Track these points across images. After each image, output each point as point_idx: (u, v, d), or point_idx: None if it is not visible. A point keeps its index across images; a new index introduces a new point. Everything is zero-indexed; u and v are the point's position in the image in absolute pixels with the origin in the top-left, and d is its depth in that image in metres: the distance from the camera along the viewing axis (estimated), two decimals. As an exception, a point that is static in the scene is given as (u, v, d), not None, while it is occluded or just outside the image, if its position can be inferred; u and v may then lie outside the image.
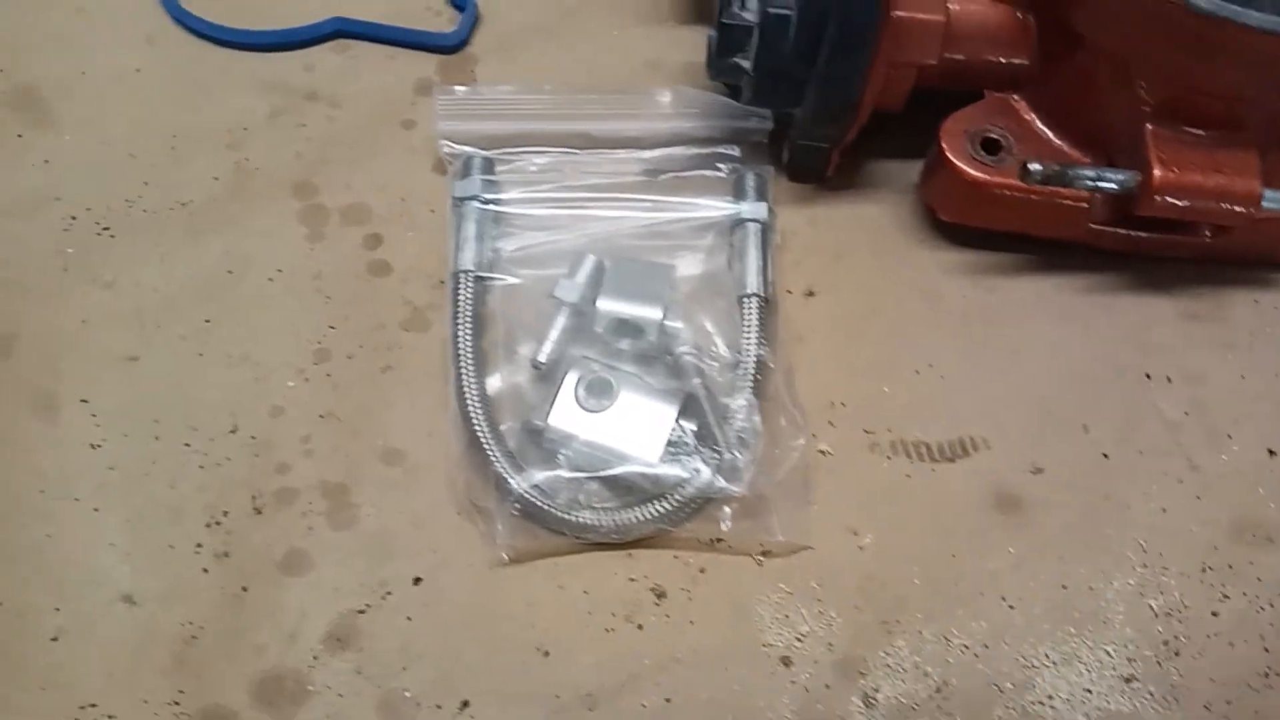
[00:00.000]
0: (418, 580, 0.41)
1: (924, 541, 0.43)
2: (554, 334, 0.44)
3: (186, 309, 0.47)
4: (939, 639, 0.41)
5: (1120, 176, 0.43)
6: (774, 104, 0.48)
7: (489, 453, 0.42)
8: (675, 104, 0.51)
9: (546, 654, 0.40)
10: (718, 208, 0.49)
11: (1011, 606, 0.41)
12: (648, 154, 0.51)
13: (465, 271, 0.46)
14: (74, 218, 0.49)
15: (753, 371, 0.44)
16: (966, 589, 0.42)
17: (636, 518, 0.41)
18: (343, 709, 0.39)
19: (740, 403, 0.43)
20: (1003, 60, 0.47)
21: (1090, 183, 0.44)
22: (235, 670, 0.40)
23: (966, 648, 0.41)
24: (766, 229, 0.48)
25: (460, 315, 0.45)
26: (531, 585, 0.41)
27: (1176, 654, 0.40)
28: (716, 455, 0.42)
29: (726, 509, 0.42)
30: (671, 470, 0.42)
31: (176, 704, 0.39)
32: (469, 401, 0.43)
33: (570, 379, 0.44)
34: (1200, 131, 0.43)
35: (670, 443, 0.42)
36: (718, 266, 0.48)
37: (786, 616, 0.41)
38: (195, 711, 0.39)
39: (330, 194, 0.50)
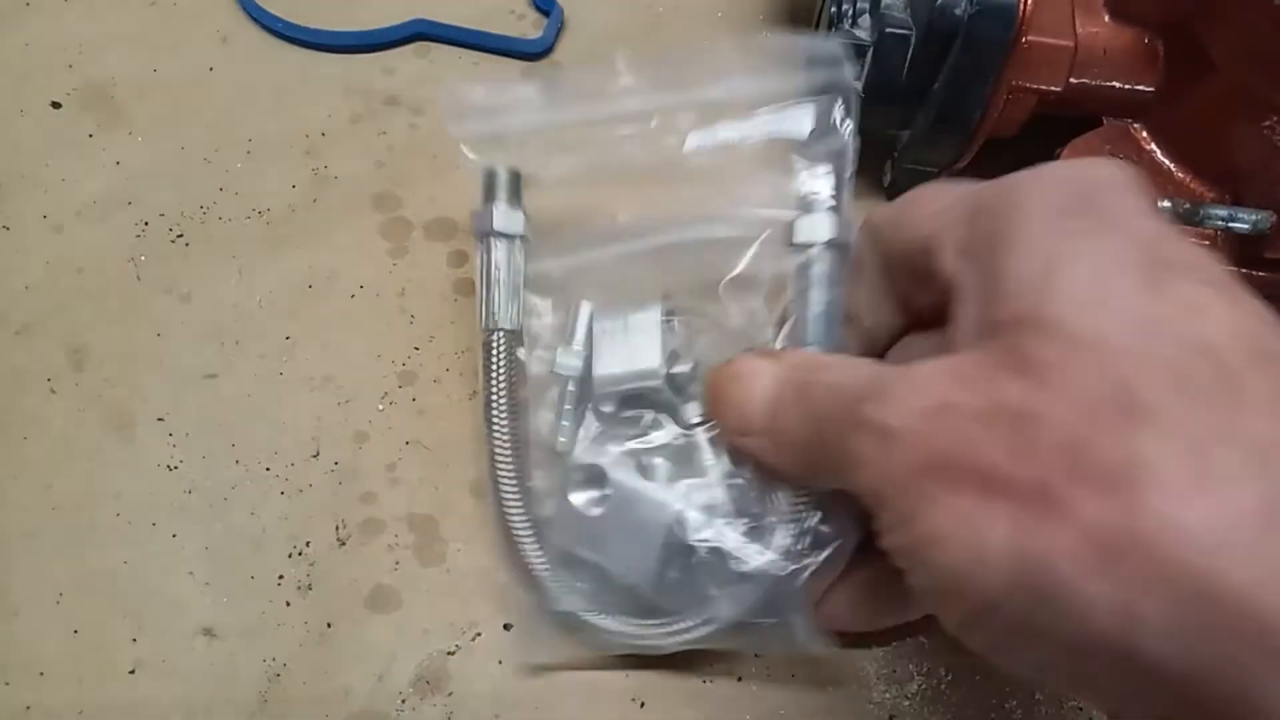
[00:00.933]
0: (508, 626, 0.40)
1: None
2: (565, 414, 0.37)
3: (266, 325, 0.45)
4: (1053, 701, 0.39)
5: (1254, 217, 0.41)
6: (883, 125, 0.46)
7: (528, 557, 0.37)
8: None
9: (642, 705, 0.38)
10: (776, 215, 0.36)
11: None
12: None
13: (500, 331, 0.37)
14: (147, 223, 0.48)
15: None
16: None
17: (668, 634, 0.36)
18: (432, 756, 0.38)
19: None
20: (1127, 86, 0.44)
21: (1222, 223, 0.41)
22: (320, 712, 0.38)
23: (1080, 710, 0.39)
24: (835, 253, 0.34)
25: (496, 389, 0.37)
26: (628, 631, 0.40)
27: None
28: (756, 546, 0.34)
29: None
30: (681, 600, 0.35)
31: (259, 746, 0.38)
32: (507, 497, 0.36)
33: (568, 476, 0.37)
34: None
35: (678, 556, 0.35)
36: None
37: (894, 672, 0.39)
38: (279, 754, 0.38)
39: (413, 207, 0.48)
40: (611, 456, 0.36)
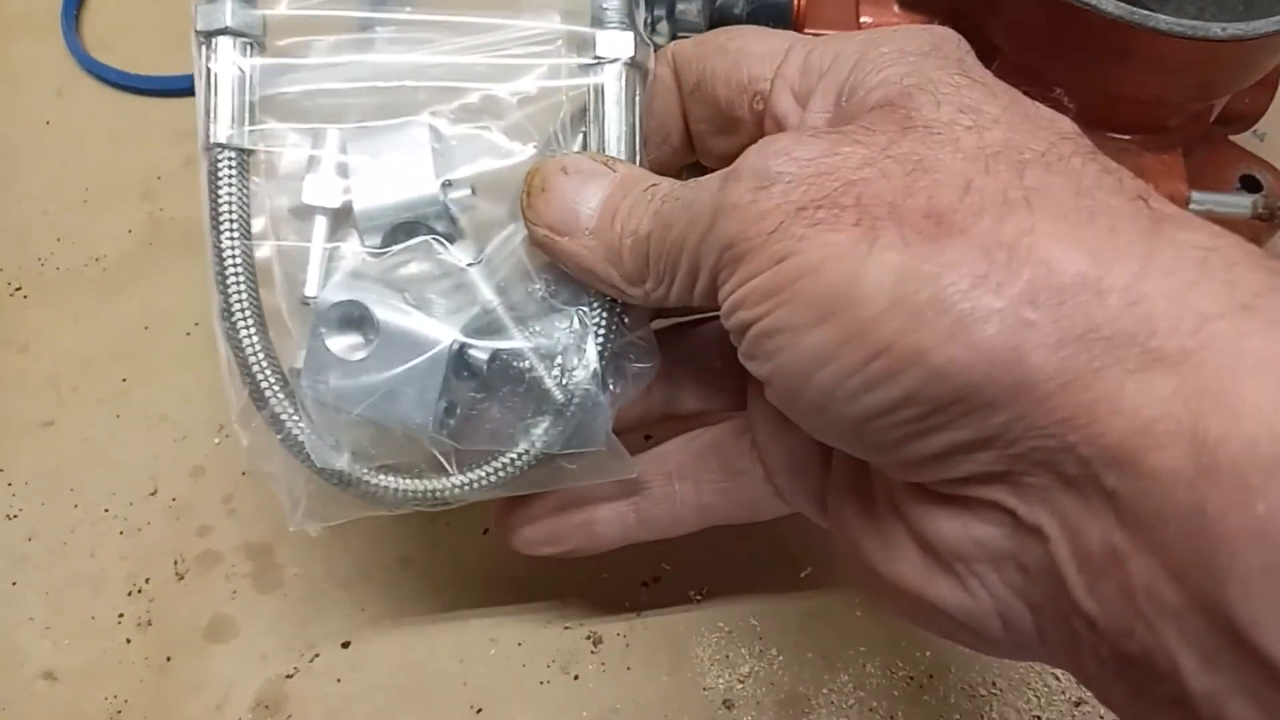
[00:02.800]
0: (346, 644, 0.40)
1: (865, 571, 0.42)
2: (316, 256, 0.31)
3: (103, 370, 0.46)
4: (884, 672, 0.40)
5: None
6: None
7: (276, 409, 0.31)
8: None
9: (479, 711, 0.39)
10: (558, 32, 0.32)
11: (955, 634, 0.40)
12: None
13: (223, 147, 0.31)
14: (-14, 279, 0.48)
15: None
16: (910, 618, 0.41)
17: (440, 487, 0.31)
18: (273, 779, 0.38)
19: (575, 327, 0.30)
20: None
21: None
22: (161, 745, 0.39)
23: (912, 679, 0.40)
24: (635, 73, 0.31)
25: (223, 208, 0.30)
26: (463, 641, 0.40)
27: (1125, 674, 0.39)
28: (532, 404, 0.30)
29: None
30: (470, 439, 0.31)
31: (101, 784, 0.38)
32: (247, 341, 0.30)
33: (321, 316, 0.30)
34: (1124, 137, 0.42)
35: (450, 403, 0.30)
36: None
37: (726, 657, 0.40)
38: (121, 791, 0.38)
39: (247, 242, 0.49)
40: (375, 293, 0.30)
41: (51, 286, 0.48)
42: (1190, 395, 0.19)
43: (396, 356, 0.30)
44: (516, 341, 0.30)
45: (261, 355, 0.30)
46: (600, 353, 0.30)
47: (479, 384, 0.30)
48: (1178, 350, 0.19)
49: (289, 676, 0.40)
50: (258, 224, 0.31)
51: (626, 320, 0.31)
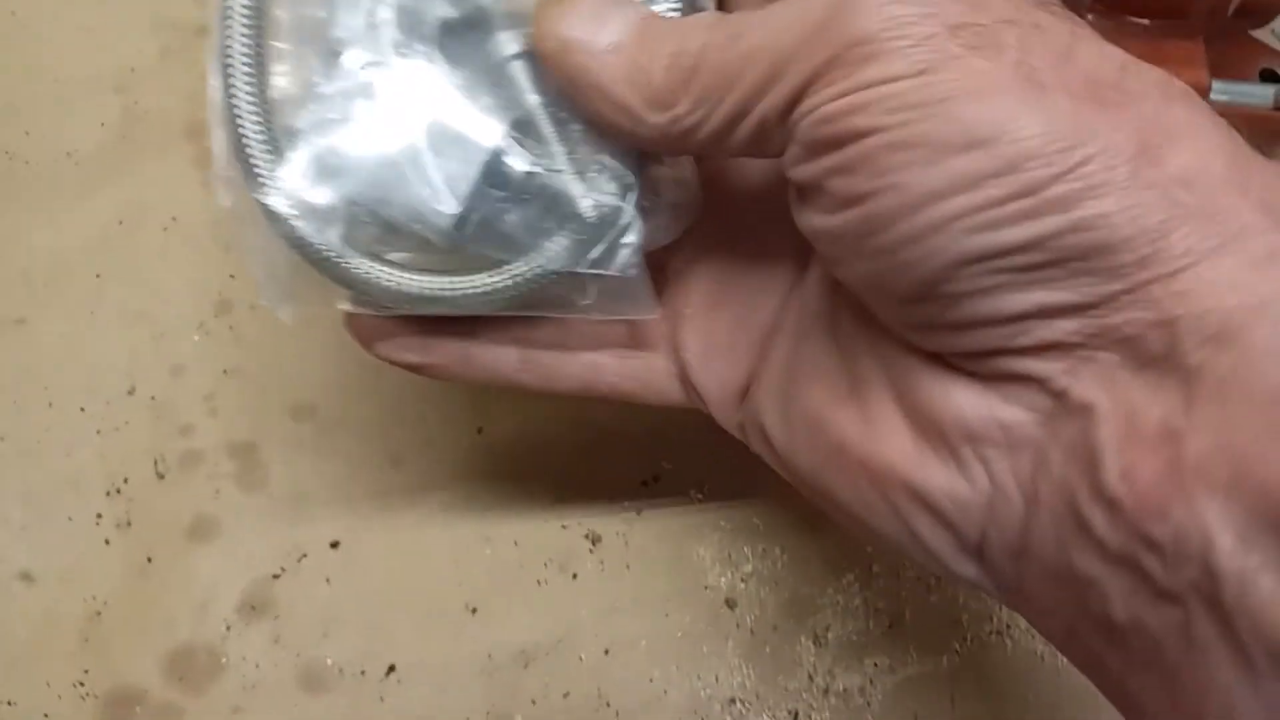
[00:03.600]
0: (335, 544, 0.39)
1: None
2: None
3: (77, 266, 0.44)
4: (890, 573, 0.39)
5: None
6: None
7: (261, 166, 0.26)
8: None
9: (475, 611, 0.38)
10: None
11: (964, 533, 0.39)
12: None
13: None
14: (-48, 175, 0.46)
15: None
16: (917, 518, 0.40)
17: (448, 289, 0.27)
18: (260, 680, 0.37)
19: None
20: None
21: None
22: (143, 646, 0.37)
23: (919, 580, 0.38)
24: None
25: None
26: (457, 541, 0.39)
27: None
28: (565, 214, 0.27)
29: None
30: (487, 245, 0.27)
31: (81, 684, 0.37)
32: (241, 79, 0.26)
33: (346, 64, 0.26)
34: (1144, 21, 0.41)
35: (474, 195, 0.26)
36: None
37: (729, 556, 0.39)
38: (102, 693, 0.37)
39: (227, 135, 0.46)
40: (410, 68, 0.26)
41: (22, 182, 0.46)
42: None
43: (433, 144, 0.26)
44: (556, 154, 0.26)
45: (253, 100, 0.26)
46: (636, 175, 0.26)
47: (509, 191, 0.27)
48: None
49: (275, 577, 0.38)
50: None
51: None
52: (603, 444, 0.40)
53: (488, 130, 0.26)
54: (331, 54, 0.26)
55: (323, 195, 0.26)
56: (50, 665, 0.37)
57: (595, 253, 0.27)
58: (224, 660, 0.37)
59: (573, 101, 0.25)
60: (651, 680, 0.37)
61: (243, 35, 0.26)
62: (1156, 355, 0.20)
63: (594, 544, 0.39)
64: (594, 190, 0.26)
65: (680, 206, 0.28)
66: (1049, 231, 0.20)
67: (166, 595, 0.38)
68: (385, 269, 0.27)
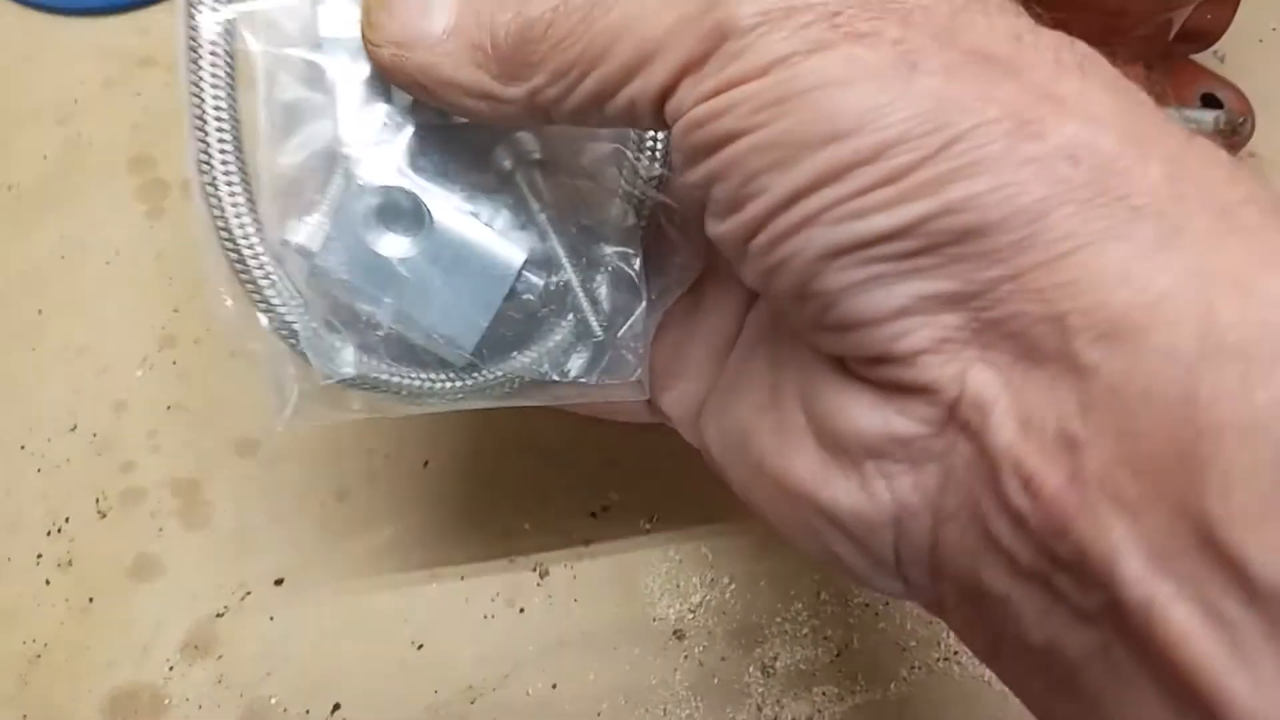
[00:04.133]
0: (279, 581, 0.38)
1: (819, 498, 0.40)
2: (345, 102, 0.25)
3: (17, 301, 0.43)
4: (838, 600, 0.39)
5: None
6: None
7: (269, 292, 0.25)
8: None
9: (421, 647, 0.37)
10: None
11: (911, 560, 0.39)
12: None
13: None
14: (-109, 209, 0.45)
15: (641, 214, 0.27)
16: (865, 545, 0.40)
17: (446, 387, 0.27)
18: (204, 722, 0.36)
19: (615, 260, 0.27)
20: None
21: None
22: (84, 688, 0.37)
23: (867, 606, 0.38)
24: None
25: (202, 40, 0.25)
26: (403, 575, 0.38)
27: (1083, 597, 0.39)
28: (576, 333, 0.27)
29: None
30: (510, 360, 0.27)
31: (20, 730, 0.36)
32: (230, 200, 0.24)
33: (364, 178, 0.25)
34: (1084, 47, 0.41)
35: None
36: None
37: (677, 586, 0.39)
38: (42, 737, 0.36)
39: (169, 166, 0.46)
40: (427, 183, 0.26)
41: (-39, 215, 0.45)
42: (1207, 276, 0.17)
43: (451, 267, 0.26)
44: (567, 270, 0.27)
45: (248, 220, 0.25)
46: (637, 279, 0.27)
47: (525, 312, 0.27)
48: (1203, 230, 0.18)
49: (219, 615, 0.38)
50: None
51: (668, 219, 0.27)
52: (551, 476, 0.40)
53: (508, 255, 0.26)
54: (336, 170, 0.25)
55: (330, 315, 0.26)
56: (-12, 710, 0.36)
57: (604, 363, 0.27)
58: (167, 701, 0.36)
59: (431, 103, 0.24)
60: (599, 714, 0.36)
61: (228, 144, 0.25)
62: (1048, 352, 0.18)
63: (542, 577, 0.38)
64: (603, 304, 0.27)
65: (686, 266, 0.28)
66: (917, 216, 0.19)
67: (108, 636, 0.37)
68: (409, 376, 0.27)
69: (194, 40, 0.25)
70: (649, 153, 0.26)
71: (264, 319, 0.26)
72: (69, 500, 0.39)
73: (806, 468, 0.23)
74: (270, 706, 0.36)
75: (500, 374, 0.27)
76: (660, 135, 0.26)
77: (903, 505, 0.21)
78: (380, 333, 0.26)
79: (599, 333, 0.27)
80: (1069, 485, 0.18)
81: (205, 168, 0.25)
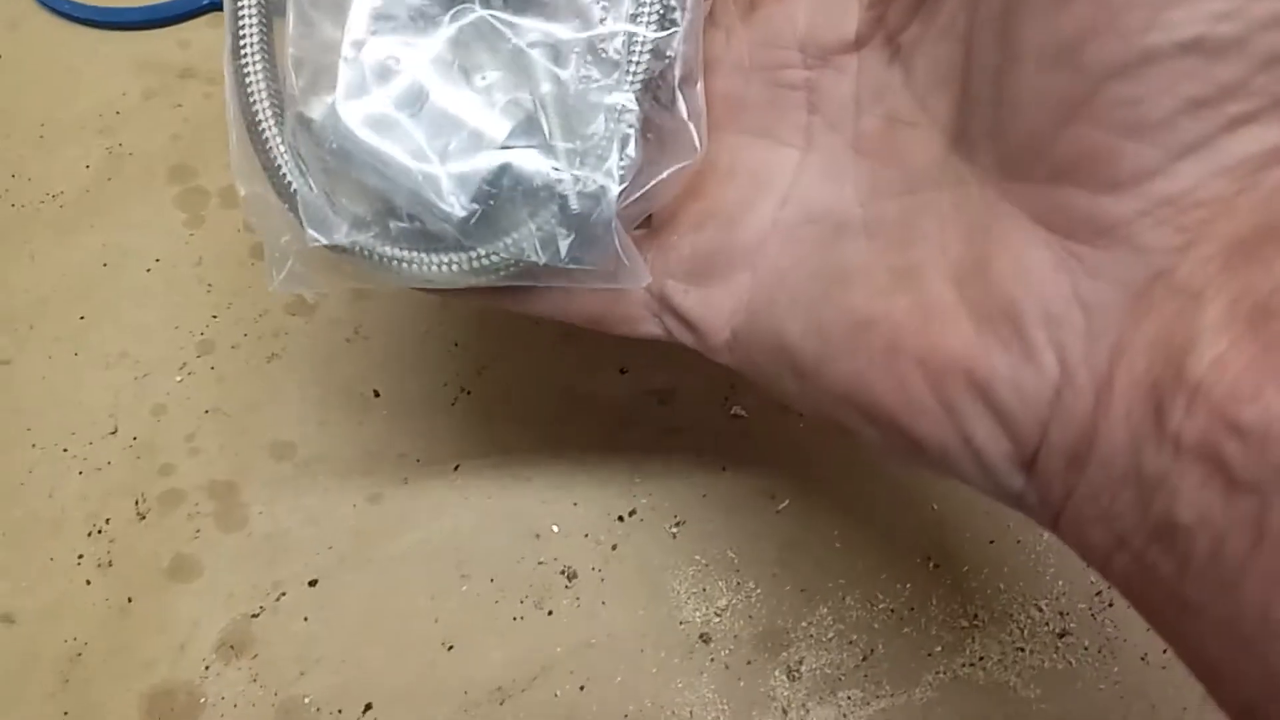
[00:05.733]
0: (314, 582, 0.39)
1: (844, 502, 0.41)
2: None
3: (60, 308, 0.44)
4: (864, 605, 0.39)
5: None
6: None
7: (274, 157, 0.28)
8: None
9: (451, 648, 0.38)
10: None
11: (936, 565, 0.39)
12: None
13: None
14: (-61, 218, 0.46)
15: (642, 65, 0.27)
16: (890, 549, 0.40)
17: (441, 265, 0.27)
18: (239, 719, 0.37)
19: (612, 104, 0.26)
20: None
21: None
22: (123, 686, 0.37)
23: (892, 611, 0.39)
24: None
25: None
26: (434, 577, 0.39)
27: (1110, 605, 0.39)
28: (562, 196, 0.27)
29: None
30: (484, 230, 0.27)
31: (61, 726, 0.37)
32: (251, 74, 0.28)
33: (363, 53, 0.26)
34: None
35: (488, 181, 0.26)
36: None
37: (704, 590, 0.39)
38: (82, 733, 0.37)
39: (209, 176, 0.47)
40: (428, 52, 0.27)
41: (6, 224, 0.46)
42: None
43: (443, 134, 0.26)
44: (557, 149, 0.26)
45: (265, 93, 0.28)
46: (622, 168, 0.26)
47: (508, 186, 0.27)
48: None
49: (254, 616, 0.39)
50: None
51: (662, 99, 0.27)
52: (579, 480, 0.41)
53: (498, 129, 0.26)
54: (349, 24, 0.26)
55: (332, 183, 0.27)
56: (30, 706, 0.37)
57: (579, 246, 0.26)
58: (203, 700, 0.37)
59: None
60: (626, 716, 0.37)
61: (255, 31, 0.28)
62: (1273, 234, 0.18)
63: (570, 580, 0.39)
64: (585, 184, 0.26)
65: (684, 155, 0.27)
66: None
67: (146, 635, 0.38)
68: (399, 251, 0.27)
69: None
70: (647, 17, 0.26)
71: (270, 183, 0.27)
72: (109, 502, 0.40)
73: (960, 340, 0.22)
74: (304, 706, 0.37)
75: (485, 252, 0.27)
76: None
77: (1069, 378, 0.20)
78: (374, 207, 0.27)
79: (574, 207, 0.26)
80: (1264, 354, 0.18)
81: (236, 50, 0.27)
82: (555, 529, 0.40)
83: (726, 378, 0.43)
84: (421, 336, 0.43)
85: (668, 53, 0.27)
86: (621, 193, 0.26)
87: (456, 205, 0.26)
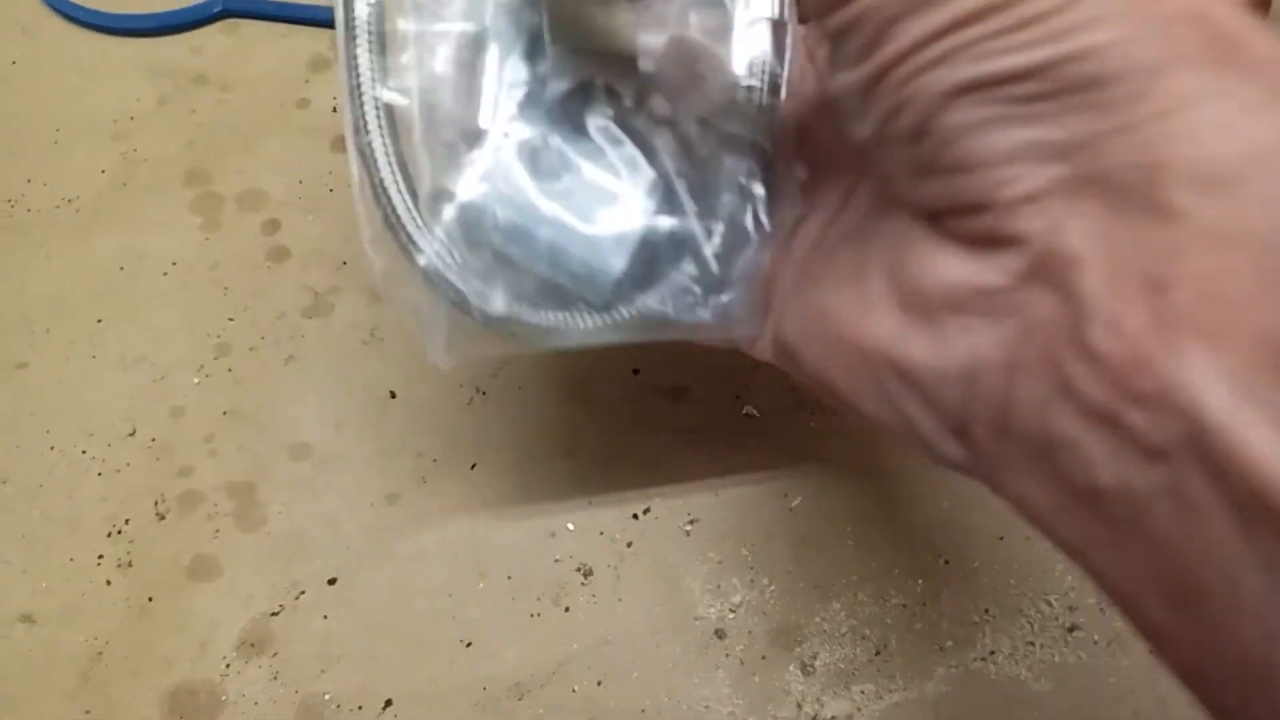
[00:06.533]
0: (333, 581, 0.39)
1: (856, 499, 0.41)
2: (490, 78, 0.28)
3: (77, 310, 0.45)
4: (876, 600, 0.39)
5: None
6: None
7: (418, 239, 0.28)
8: None
9: (469, 645, 0.38)
10: None
11: (948, 561, 0.40)
12: None
13: None
14: (-45, 223, 0.47)
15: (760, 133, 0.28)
16: (902, 546, 0.40)
17: (582, 325, 0.30)
18: (260, 717, 0.37)
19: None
20: None
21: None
22: (144, 685, 0.38)
23: (904, 607, 0.39)
24: None
25: (357, 15, 0.27)
26: (452, 575, 0.39)
27: (1118, 598, 0.39)
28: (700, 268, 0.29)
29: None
30: (641, 297, 0.29)
31: (84, 725, 0.37)
32: (382, 156, 0.28)
33: (512, 141, 0.28)
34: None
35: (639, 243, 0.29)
36: None
37: (718, 586, 0.40)
38: (104, 731, 0.37)
39: (224, 180, 0.48)
40: (562, 131, 0.28)
41: (23, 228, 0.47)
42: None
43: (591, 211, 0.28)
44: (689, 215, 0.29)
45: (399, 176, 0.28)
46: (756, 221, 0.29)
47: (652, 253, 0.29)
48: None
49: (274, 615, 0.39)
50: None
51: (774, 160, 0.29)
52: (594, 478, 0.41)
53: (640, 200, 0.29)
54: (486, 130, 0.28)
55: (477, 261, 0.28)
56: (51, 705, 0.37)
57: (724, 303, 0.29)
58: (224, 698, 0.38)
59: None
60: (643, 711, 0.37)
61: (378, 106, 0.28)
62: (1144, 203, 0.19)
63: (586, 577, 0.40)
64: (723, 249, 0.29)
65: (790, 205, 0.29)
66: (1047, 59, 0.20)
67: (167, 634, 0.39)
68: (554, 316, 0.29)
69: (351, 20, 0.27)
70: (759, 89, 0.28)
71: (420, 266, 0.28)
72: (128, 503, 0.41)
73: (886, 329, 0.24)
74: (324, 703, 0.38)
75: (629, 313, 0.29)
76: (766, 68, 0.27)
77: (979, 358, 0.22)
78: (523, 276, 0.29)
79: (715, 271, 0.29)
80: (1155, 322, 0.19)
81: (363, 130, 0.28)
82: (571, 527, 0.40)
83: (738, 378, 0.43)
84: (436, 338, 0.44)
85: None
86: (746, 259, 0.29)
87: (615, 265, 0.28)
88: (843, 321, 0.26)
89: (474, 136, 0.28)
